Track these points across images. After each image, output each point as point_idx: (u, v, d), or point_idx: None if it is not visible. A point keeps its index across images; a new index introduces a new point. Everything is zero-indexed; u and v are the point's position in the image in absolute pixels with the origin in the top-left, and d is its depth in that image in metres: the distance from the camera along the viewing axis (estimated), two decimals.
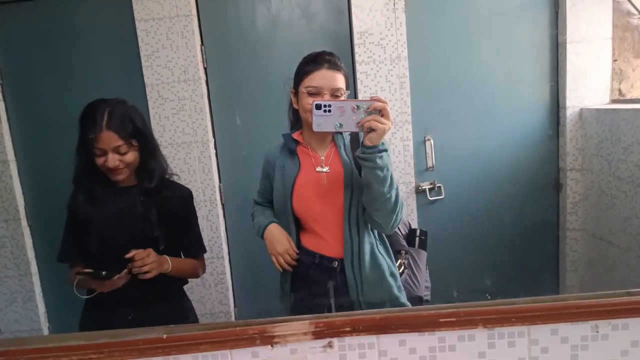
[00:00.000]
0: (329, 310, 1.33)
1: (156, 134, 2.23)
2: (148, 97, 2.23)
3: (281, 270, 1.37)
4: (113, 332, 0.63)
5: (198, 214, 2.30)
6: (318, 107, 1.14)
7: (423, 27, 2.22)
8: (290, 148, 1.37)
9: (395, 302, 1.33)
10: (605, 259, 2.10)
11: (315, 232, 1.34)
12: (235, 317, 2.44)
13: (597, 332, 0.63)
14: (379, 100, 1.12)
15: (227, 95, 2.29)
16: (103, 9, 2.22)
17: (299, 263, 1.35)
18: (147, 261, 1.27)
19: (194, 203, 1.52)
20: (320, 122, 1.15)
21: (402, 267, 1.44)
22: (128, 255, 1.26)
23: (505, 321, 0.61)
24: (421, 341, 0.63)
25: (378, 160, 1.14)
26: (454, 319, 0.61)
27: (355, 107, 1.13)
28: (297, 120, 1.42)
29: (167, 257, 1.35)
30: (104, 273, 1.24)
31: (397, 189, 1.22)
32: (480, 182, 2.32)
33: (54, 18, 2.23)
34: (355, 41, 2.19)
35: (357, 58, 2.19)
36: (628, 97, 2.22)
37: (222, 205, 2.36)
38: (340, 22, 2.24)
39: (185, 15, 2.17)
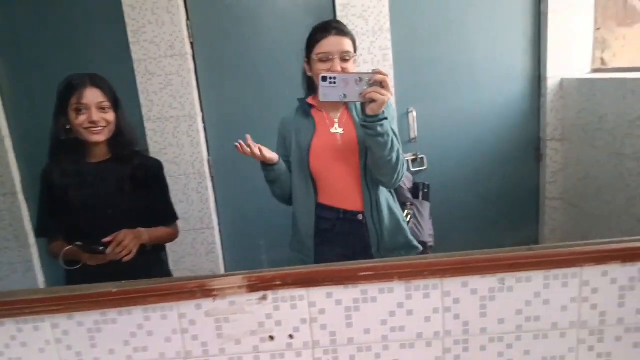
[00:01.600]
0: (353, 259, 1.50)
1: (145, 109, 2.30)
2: (136, 72, 2.28)
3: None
4: (72, 287, 0.71)
5: (188, 187, 2.40)
6: (324, 79, 1.25)
7: None
8: (305, 111, 1.49)
9: (411, 245, 1.48)
10: (581, 226, 2.15)
11: (334, 189, 1.46)
12: None
13: (504, 284, 0.69)
14: (379, 73, 1.22)
15: (214, 69, 2.33)
16: None
17: (320, 220, 1.47)
18: (125, 244, 1.33)
19: (165, 173, 1.59)
20: (326, 93, 1.25)
21: (409, 217, 1.58)
22: (106, 240, 1.32)
23: (419, 274, 0.67)
24: (346, 293, 0.70)
25: (379, 128, 1.25)
26: (372, 273, 0.67)
27: (358, 79, 1.23)
28: (311, 87, 1.52)
29: (143, 230, 1.41)
30: (101, 248, 1.31)
31: (398, 151, 1.33)
32: (463, 153, 2.36)
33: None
34: (338, 13, 2.20)
35: None
36: (610, 66, 2.22)
37: (212, 177, 2.43)
38: None
39: None
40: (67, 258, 1.37)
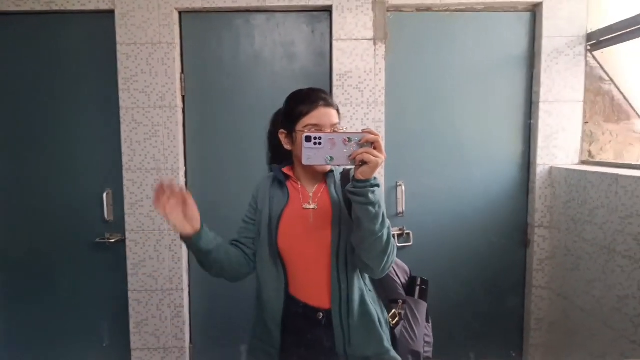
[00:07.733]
0: None
1: (125, 158, 2.20)
2: (121, 120, 2.20)
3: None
4: None
5: (160, 244, 2.26)
6: (308, 139, 1.12)
7: (402, 75, 2.25)
8: (281, 181, 1.35)
9: (386, 356, 1.28)
10: (570, 319, 2.07)
11: (300, 277, 1.29)
12: (190, 354, 2.33)
13: None
14: (371, 132, 1.09)
15: (202, 126, 2.28)
16: (88, 30, 2.23)
17: (288, 312, 1.29)
18: None
19: None
20: (310, 155, 1.13)
21: (397, 318, 1.37)
22: None
23: None
24: None
25: (370, 195, 1.09)
26: None
27: (347, 140, 1.11)
28: (284, 158, 1.39)
29: None
30: None
31: (389, 227, 1.16)
32: (449, 232, 2.31)
33: (37, 33, 2.22)
34: (334, 82, 2.21)
35: (335, 99, 2.17)
36: (597, 159, 2.25)
37: None
38: (321, 65, 2.27)
39: (168, 43, 2.18)
40: None
